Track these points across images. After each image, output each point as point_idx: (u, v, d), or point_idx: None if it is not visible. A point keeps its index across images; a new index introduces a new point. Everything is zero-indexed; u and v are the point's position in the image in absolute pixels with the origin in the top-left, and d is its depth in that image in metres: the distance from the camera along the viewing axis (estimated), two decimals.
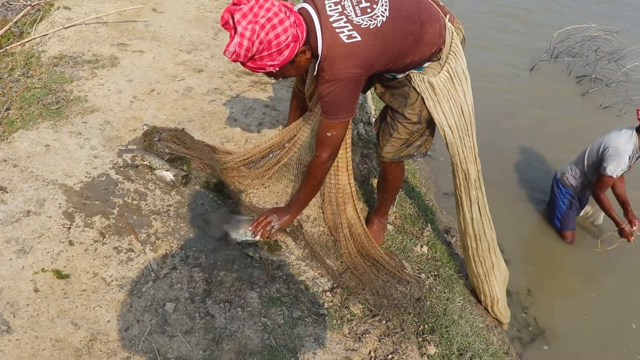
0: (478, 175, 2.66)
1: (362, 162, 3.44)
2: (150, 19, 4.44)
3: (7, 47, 3.92)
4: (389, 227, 3.09)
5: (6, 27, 4.08)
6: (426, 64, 2.36)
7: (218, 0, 5.12)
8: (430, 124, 2.52)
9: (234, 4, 1.94)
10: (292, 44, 2.00)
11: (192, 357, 2.00)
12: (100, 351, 1.95)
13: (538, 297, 3.90)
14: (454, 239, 3.53)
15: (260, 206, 2.73)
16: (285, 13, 1.96)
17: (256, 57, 1.98)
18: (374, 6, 2.09)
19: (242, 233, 2.45)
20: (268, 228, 2.48)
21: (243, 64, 2.03)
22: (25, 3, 4.39)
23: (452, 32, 2.35)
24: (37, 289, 2.08)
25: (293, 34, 1.97)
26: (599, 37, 7.31)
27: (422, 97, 2.39)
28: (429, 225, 3.35)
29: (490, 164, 5.00)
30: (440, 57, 2.36)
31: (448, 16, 2.35)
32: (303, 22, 2.05)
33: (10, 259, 2.16)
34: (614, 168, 3.89)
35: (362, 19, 2.06)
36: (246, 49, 1.92)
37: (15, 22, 4.21)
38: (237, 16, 1.90)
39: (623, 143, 3.90)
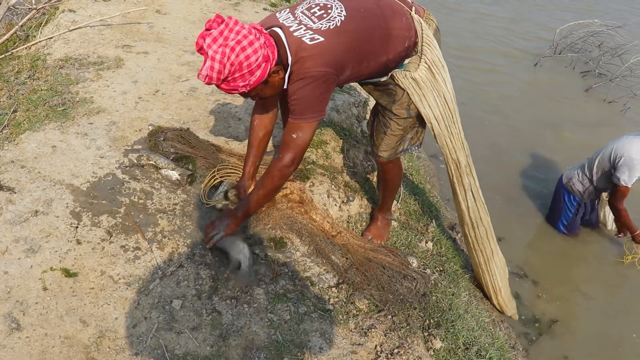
0: (468, 161, 2.71)
1: (366, 160, 3.45)
2: (154, 20, 4.47)
3: (14, 51, 3.96)
4: (394, 223, 3.11)
5: (12, 31, 4.11)
6: (406, 61, 2.40)
7: (221, 1, 5.16)
8: (420, 117, 2.56)
9: (206, 30, 1.99)
10: (263, 64, 2.02)
11: (200, 352, 2.01)
12: (109, 348, 1.97)
13: (545, 295, 3.89)
14: (458, 235, 3.54)
15: None
16: (255, 35, 1.99)
17: (229, 78, 2.01)
18: (329, 11, 2.16)
19: None
20: (211, 235, 2.38)
21: (217, 86, 2.06)
22: (30, 7, 4.42)
23: (422, 24, 2.38)
24: (45, 287, 2.10)
25: (263, 54, 2.01)
26: (602, 32, 7.33)
27: (407, 93, 2.43)
28: (434, 221, 3.36)
29: (493, 158, 5.04)
30: (417, 51, 2.40)
31: (414, 9, 2.38)
32: (273, 42, 2.09)
33: (19, 258, 2.19)
34: (629, 178, 3.76)
35: (320, 24, 2.13)
36: (218, 71, 1.95)
37: (21, 26, 4.25)
38: (207, 41, 1.95)
39: (636, 151, 3.73)
